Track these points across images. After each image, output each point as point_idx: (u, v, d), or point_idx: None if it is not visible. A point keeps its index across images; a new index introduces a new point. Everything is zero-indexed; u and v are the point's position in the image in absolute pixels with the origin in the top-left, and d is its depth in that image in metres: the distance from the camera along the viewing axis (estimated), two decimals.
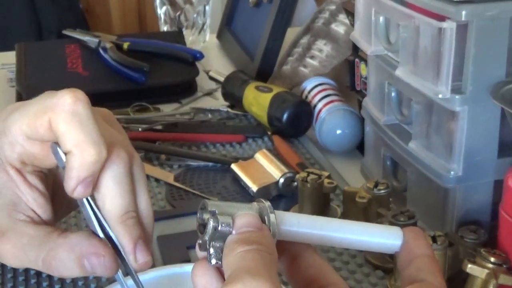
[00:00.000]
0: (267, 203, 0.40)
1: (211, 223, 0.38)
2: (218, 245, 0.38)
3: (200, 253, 0.39)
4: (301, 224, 0.40)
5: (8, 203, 0.49)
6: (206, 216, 0.39)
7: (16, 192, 0.49)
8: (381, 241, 0.42)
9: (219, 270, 0.39)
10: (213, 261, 0.38)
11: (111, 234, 0.47)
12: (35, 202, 0.49)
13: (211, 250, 0.38)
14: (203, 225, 0.39)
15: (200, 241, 0.39)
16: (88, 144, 0.45)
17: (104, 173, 0.47)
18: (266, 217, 0.39)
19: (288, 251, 0.42)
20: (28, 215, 0.49)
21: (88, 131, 0.45)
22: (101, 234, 0.47)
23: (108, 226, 0.47)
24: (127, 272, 0.48)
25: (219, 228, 0.38)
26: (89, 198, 0.47)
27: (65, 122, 0.45)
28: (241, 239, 0.38)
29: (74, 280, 0.70)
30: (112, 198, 0.47)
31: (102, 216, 0.47)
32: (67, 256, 0.47)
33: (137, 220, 0.48)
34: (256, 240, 0.38)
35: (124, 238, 0.47)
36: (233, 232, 0.38)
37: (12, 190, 0.49)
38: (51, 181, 0.51)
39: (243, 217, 0.39)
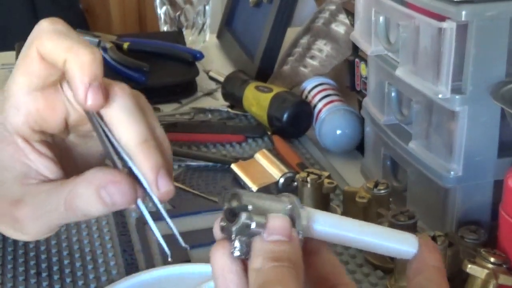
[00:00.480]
0: (297, 200, 0.40)
1: (243, 219, 0.38)
2: (244, 239, 0.38)
3: (218, 234, 0.40)
4: (326, 224, 0.41)
5: (18, 175, 0.49)
6: (234, 203, 0.38)
7: (25, 162, 0.49)
8: (397, 247, 0.43)
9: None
10: (237, 254, 0.38)
11: (131, 165, 0.46)
12: (46, 169, 0.49)
13: (237, 243, 0.38)
14: (231, 212, 0.38)
15: (224, 224, 0.39)
16: (79, 46, 0.45)
17: (112, 107, 0.46)
18: (297, 219, 0.39)
19: (305, 246, 0.42)
20: (40, 179, 0.49)
21: (75, 38, 0.46)
22: (119, 165, 0.46)
23: (127, 158, 0.46)
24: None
25: (252, 228, 0.38)
26: (104, 128, 0.46)
27: (50, 40, 0.46)
28: (271, 251, 0.38)
29: (74, 280, 0.70)
30: (127, 128, 0.46)
31: (121, 148, 0.46)
32: (86, 190, 0.46)
33: (157, 148, 0.47)
34: (287, 257, 0.38)
35: (145, 167, 0.46)
36: (264, 235, 0.38)
37: (21, 161, 0.49)
38: (59, 151, 0.50)
39: (276, 220, 0.39)
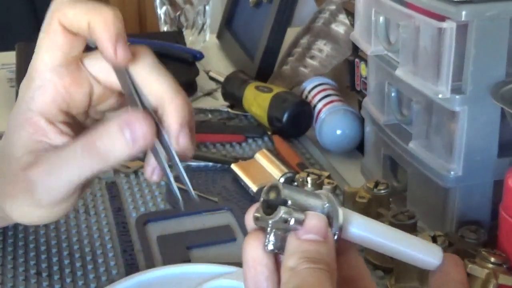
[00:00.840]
0: (336, 199, 0.39)
1: (281, 213, 0.37)
2: (279, 233, 0.38)
3: (251, 225, 0.39)
4: (361, 227, 0.40)
5: (34, 150, 0.49)
6: (272, 195, 0.38)
7: (44, 141, 0.50)
8: (423, 257, 0.43)
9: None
10: (270, 247, 0.38)
11: (157, 120, 0.48)
12: (63, 143, 0.50)
13: (272, 237, 0.37)
14: (267, 202, 0.38)
15: (259, 215, 0.38)
16: (100, 7, 0.47)
17: (141, 64, 0.49)
18: (334, 218, 0.39)
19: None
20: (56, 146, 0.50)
21: (93, 2, 0.48)
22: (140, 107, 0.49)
23: (151, 109, 0.49)
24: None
25: (290, 223, 0.37)
26: (134, 83, 0.49)
27: (71, 8, 0.48)
28: (306, 251, 0.37)
29: (74, 280, 0.70)
30: (155, 81, 0.50)
31: (149, 104, 0.49)
32: (107, 129, 0.47)
33: (186, 104, 0.50)
34: (322, 258, 0.37)
35: (172, 119, 0.49)
36: (300, 233, 0.37)
37: (39, 140, 0.50)
38: (77, 133, 0.51)
39: (314, 219, 0.38)
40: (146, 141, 0.47)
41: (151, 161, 0.51)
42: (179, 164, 0.49)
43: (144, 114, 0.47)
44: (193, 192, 0.51)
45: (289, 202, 0.37)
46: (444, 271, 0.42)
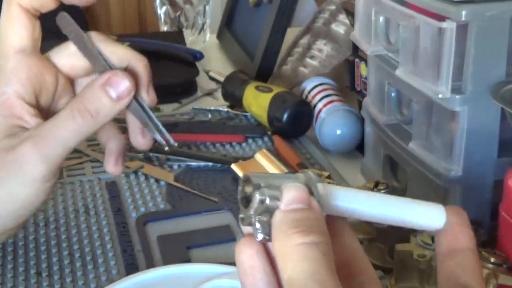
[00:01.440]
0: (313, 174, 0.37)
1: (257, 196, 0.36)
2: (265, 219, 0.36)
3: (245, 229, 0.38)
4: (345, 198, 0.38)
5: (7, 133, 0.52)
6: (248, 189, 0.37)
7: (18, 124, 0.52)
8: (423, 220, 0.40)
9: (264, 246, 0.37)
10: (260, 237, 0.36)
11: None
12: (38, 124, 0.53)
13: (257, 225, 0.36)
14: (246, 199, 0.37)
15: (243, 216, 0.37)
16: None
17: (98, 36, 0.56)
18: (314, 189, 0.37)
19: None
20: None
21: None
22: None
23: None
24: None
25: (267, 202, 0.35)
26: (95, 46, 0.55)
27: None
28: (293, 220, 0.35)
29: (74, 280, 0.70)
30: (118, 47, 0.56)
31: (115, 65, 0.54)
32: (92, 92, 0.51)
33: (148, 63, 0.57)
34: (311, 225, 0.35)
35: (144, 73, 0.55)
36: (281, 206, 0.35)
37: (14, 123, 0.52)
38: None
39: (292, 189, 0.36)
40: (130, 95, 0.52)
41: (113, 150, 0.55)
42: (152, 114, 0.55)
43: (121, 72, 0.52)
44: (170, 137, 0.55)
45: (262, 184, 0.36)
46: (450, 235, 0.39)
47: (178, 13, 1.44)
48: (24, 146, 0.50)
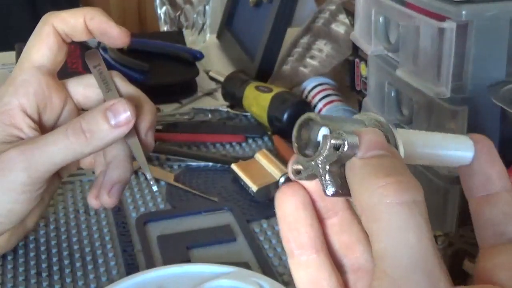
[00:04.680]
0: (379, 116, 0.32)
1: (329, 142, 0.30)
2: (334, 170, 0.30)
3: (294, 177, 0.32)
4: (419, 143, 0.33)
5: (3, 141, 0.53)
6: (305, 135, 0.31)
7: (16, 134, 0.53)
8: (454, 154, 0.35)
9: (310, 197, 0.33)
10: (331, 190, 0.31)
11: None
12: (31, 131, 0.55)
13: (328, 177, 0.30)
14: (305, 144, 0.31)
15: (299, 166, 0.31)
16: (91, 7, 0.57)
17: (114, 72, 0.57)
18: (390, 135, 0.31)
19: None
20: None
21: (85, 7, 0.57)
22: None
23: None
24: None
25: (344, 149, 0.30)
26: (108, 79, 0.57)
27: (66, 11, 0.56)
28: (380, 168, 0.30)
29: (74, 280, 0.70)
30: (131, 86, 0.58)
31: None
32: (92, 113, 0.52)
33: (154, 108, 0.58)
34: (407, 184, 0.30)
35: (146, 116, 0.56)
36: (359, 154, 0.30)
37: (11, 133, 0.53)
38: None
39: (370, 134, 0.30)
40: (129, 126, 0.52)
41: (98, 183, 0.56)
42: (142, 154, 0.56)
43: (126, 101, 0.52)
44: (151, 176, 0.56)
45: (330, 128, 0.30)
46: (481, 177, 0.35)
47: (178, 13, 1.44)
48: (11, 151, 0.51)
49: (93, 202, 0.56)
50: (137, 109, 0.54)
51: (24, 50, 0.56)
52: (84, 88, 0.57)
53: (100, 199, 0.56)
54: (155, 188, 0.58)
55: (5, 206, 0.51)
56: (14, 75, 0.55)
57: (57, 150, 0.50)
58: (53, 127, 0.56)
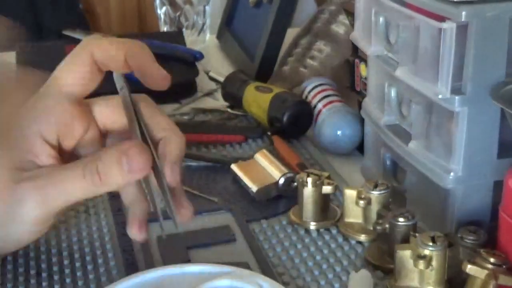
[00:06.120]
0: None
1: None
2: None
3: None
4: None
5: (19, 167, 0.51)
6: None
7: (32, 161, 0.52)
8: None
9: None
10: None
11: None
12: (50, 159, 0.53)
13: None
14: None
15: None
16: (132, 40, 0.55)
17: (144, 101, 0.56)
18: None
19: None
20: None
21: (125, 39, 0.55)
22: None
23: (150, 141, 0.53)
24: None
25: None
26: (136, 108, 0.54)
27: (107, 41, 0.54)
28: None
29: (74, 280, 0.70)
30: (161, 115, 0.56)
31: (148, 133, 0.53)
32: (108, 155, 0.50)
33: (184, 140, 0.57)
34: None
35: (174, 150, 0.55)
36: None
37: (29, 160, 0.51)
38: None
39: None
40: (142, 173, 0.50)
41: (136, 214, 0.54)
42: (168, 192, 0.54)
43: (143, 147, 0.50)
44: (177, 221, 0.56)
45: None
46: None
47: (178, 13, 1.44)
48: (27, 184, 0.49)
49: (135, 234, 0.55)
50: (163, 140, 0.52)
51: (55, 71, 0.53)
52: (110, 111, 0.55)
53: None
54: (180, 229, 0.56)
55: (13, 236, 0.51)
56: (39, 96, 0.52)
57: (72, 188, 0.49)
58: (73, 151, 0.54)
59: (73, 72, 0.52)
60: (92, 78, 0.53)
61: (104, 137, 0.55)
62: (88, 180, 0.49)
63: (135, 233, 0.54)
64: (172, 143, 0.54)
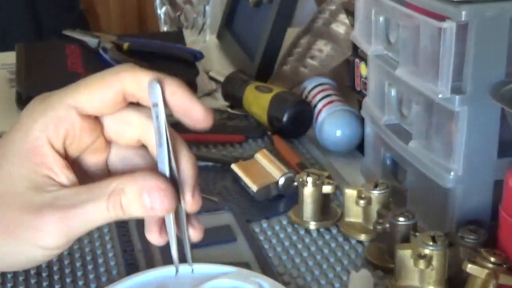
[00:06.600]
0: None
1: None
2: None
3: None
4: None
5: (36, 185, 0.49)
6: None
7: (47, 174, 0.49)
8: None
9: None
10: None
11: (175, 173, 0.50)
12: (66, 178, 0.50)
13: None
14: None
15: None
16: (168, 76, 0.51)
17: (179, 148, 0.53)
18: None
19: None
20: (58, 187, 0.49)
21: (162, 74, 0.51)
22: (167, 173, 0.50)
23: (175, 168, 0.50)
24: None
25: None
26: (169, 139, 0.51)
27: (141, 71, 0.50)
28: None
29: (74, 280, 0.70)
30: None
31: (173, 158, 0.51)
32: (131, 190, 0.47)
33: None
34: None
35: (191, 179, 0.51)
36: None
37: (42, 173, 0.49)
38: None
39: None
40: (165, 213, 0.49)
41: (156, 219, 0.53)
42: (186, 231, 0.54)
43: (168, 186, 0.48)
44: (191, 262, 0.55)
45: None
46: None
47: (178, 13, 1.44)
48: (49, 214, 0.47)
49: (156, 239, 0.53)
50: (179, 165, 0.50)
51: (78, 85, 0.50)
52: (118, 126, 0.52)
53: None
54: (194, 266, 0.55)
55: (27, 258, 0.50)
56: (50, 102, 0.49)
57: (96, 220, 0.47)
58: (77, 158, 0.52)
59: (95, 95, 0.49)
60: (113, 106, 0.50)
61: (108, 143, 0.53)
62: (111, 212, 0.48)
63: (156, 238, 0.53)
64: (184, 161, 0.52)
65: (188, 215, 0.53)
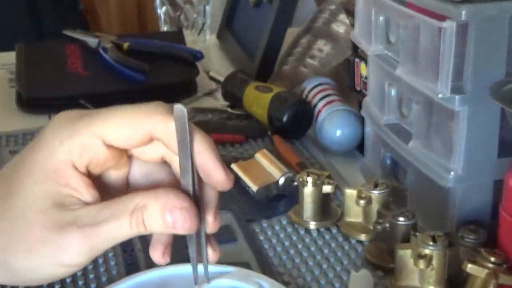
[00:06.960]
0: None
1: None
2: None
3: None
4: None
5: (58, 203, 0.49)
6: None
7: (68, 193, 0.49)
8: None
9: None
10: None
11: (197, 192, 0.50)
12: (89, 195, 0.50)
13: None
14: None
15: None
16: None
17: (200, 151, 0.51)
18: None
19: None
20: (80, 204, 0.49)
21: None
22: (191, 191, 0.49)
23: (197, 186, 0.50)
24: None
25: None
26: (193, 157, 0.50)
27: (170, 120, 0.49)
28: None
29: (74, 280, 0.70)
30: (214, 166, 0.50)
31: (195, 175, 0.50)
32: (153, 206, 0.47)
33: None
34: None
35: (215, 200, 0.51)
36: None
37: (63, 192, 0.49)
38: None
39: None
40: (185, 232, 0.49)
41: (162, 240, 0.53)
42: (205, 251, 0.53)
43: (192, 205, 0.48)
44: (208, 274, 0.55)
45: None
46: None
47: (178, 13, 1.44)
48: (72, 232, 0.47)
49: (158, 258, 0.53)
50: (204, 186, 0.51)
51: (107, 111, 0.49)
52: (143, 149, 0.52)
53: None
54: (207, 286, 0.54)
55: (51, 277, 0.50)
56: (77, 127, 0.49)
57: (118, 236, 0.48)
58: (100, 175, 0.52)
59: (123, 130, 0.49)
60: (139, 144, 0.50)
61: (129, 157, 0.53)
62: (133, 229, 0.48)
63: (158, 257, 0.53)
64: (211, 191, 0.51)
65: (206, 235, 0.53)
